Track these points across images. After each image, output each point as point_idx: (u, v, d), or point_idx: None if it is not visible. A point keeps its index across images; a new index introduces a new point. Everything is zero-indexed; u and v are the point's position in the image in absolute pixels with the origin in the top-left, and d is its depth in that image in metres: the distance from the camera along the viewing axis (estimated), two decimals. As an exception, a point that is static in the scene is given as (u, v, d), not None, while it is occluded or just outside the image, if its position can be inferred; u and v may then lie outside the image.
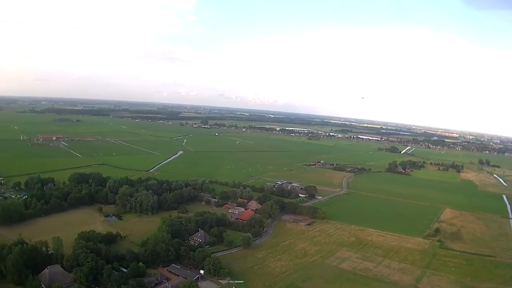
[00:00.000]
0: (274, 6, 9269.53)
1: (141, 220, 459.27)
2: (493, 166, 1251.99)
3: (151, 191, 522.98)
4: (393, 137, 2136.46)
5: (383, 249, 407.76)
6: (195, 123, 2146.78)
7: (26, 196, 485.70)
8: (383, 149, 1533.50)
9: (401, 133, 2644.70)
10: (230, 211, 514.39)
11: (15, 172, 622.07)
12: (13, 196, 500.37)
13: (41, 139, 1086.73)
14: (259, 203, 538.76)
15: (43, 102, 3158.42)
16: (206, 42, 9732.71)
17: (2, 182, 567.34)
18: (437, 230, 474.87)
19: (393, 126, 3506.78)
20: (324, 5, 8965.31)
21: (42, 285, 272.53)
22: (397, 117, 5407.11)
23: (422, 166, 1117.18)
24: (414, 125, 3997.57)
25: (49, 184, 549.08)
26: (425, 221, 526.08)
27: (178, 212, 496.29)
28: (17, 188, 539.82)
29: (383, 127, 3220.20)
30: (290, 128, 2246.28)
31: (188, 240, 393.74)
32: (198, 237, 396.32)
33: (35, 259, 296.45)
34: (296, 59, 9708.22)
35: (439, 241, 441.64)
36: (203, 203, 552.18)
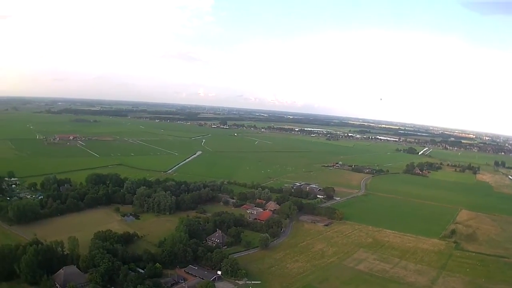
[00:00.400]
0: (292, 7, 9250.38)
1: (159, 220, 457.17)
2: (509, 167, 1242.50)
3: (169, 192, 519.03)
4: (410, 138, 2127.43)
5: (400, 250, 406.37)
6: (213, 124, 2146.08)
7: (42, 197, 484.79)
8: (401, 150, 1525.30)
9: (418, 134, 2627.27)
10: (248, 212, 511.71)
11: (30, 172, 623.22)
12: (28, 197, 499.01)
13: (58, 139, 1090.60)
14: (277, 203, 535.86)
15: (60, 103, 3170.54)
16: (225, 43, 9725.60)
17: (18, 182, 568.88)
18: (453, 232, 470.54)
19: (411, 127, 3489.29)
20: (342, 6, 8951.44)
21: (57, 285, 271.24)
22: (414, 118, 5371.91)
23: (439, 168, 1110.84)
24: (431, 126, 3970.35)
25: (65, 185, 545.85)
26: (441, 223, 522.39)
27: (196, 212, 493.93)
28: (32, 188, 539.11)
29: (401, 127, 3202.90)
30: (309, 129, 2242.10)
31: (206, 240, 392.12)
32: (216, 238, 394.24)
33: (50, 260, 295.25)
34: (314, 60, 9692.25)
35: (455, 242, 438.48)
36: (221, 203, 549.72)
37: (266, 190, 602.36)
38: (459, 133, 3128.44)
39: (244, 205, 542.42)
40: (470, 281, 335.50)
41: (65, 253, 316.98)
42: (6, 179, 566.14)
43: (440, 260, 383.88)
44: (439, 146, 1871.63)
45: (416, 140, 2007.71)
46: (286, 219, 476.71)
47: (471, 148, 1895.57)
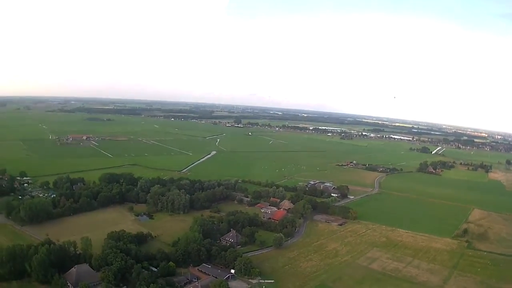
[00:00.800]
0: (305, 5, 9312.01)
1: (173, 219, 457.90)
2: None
3: (183, 190, 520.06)
4: (424, 137, 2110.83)
5: (413, 249, 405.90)
6: (228, 122, 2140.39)
7: (54, 195, 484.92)
8: (414, 149, 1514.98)
9: (432, 132, 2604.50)
10: (263, 211, 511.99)
11: (43, 172, 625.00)
12: (40, 195, 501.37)
13: (71, 139, 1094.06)
14: (291, 202, 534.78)
15: (73, 102, 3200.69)
16: (238, 41, 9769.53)
17: (30, 181, 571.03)
18: (465, 231, 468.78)
19: (424, 126, 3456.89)
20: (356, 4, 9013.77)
21: (69, 284, 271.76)
22: (428, 116, 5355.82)
23: (452, 166, 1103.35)
24: (444, 125, 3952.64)
25: (78, 184, 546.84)
26: (454, 222, 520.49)
27: (210, 211, 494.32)
28: (45, 187, 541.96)
29: (415, 126, 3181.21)
30: (323, 128, 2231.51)
31: (220, 240, 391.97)
32: (230, 237, 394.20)
33: (62, 259, 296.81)
34: (329, 59, 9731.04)
35: (467, 241, 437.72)
36: (236, 202, 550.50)
37: (281, 188, 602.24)
38: (471, 132, 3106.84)
39: (259, 204, 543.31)
40: (481, 281, 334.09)
41: (77, 252, 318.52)
42: (18, 178, 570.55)
43: (452, 260, 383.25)
44: (452, 145, 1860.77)
45: (430, 139, 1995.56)
46: (300, 218, 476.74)
47: (483, 147, 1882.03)
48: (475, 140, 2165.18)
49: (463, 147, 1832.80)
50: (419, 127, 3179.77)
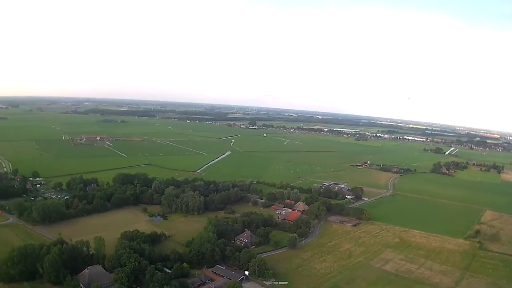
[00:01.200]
0: (319, 8, 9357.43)
1: (187, 220, 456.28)
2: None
3: (197, 192, 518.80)
4: (437, 138, 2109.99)
5: (426, 250, 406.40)
6: (243, 124, 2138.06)
7: (68, 197, 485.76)
8: (428, 150, 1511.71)
9: (445, 134, 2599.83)
10: (277, 212, 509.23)
11: (56, 172, 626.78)
12: (53, 197, 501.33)
13: (84, 139, 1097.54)
14: (306, 204, 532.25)
15: (86, 103, 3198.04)
16: (253, 42, 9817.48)
17: (42, 182, 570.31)
18: (477, 232, 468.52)
19: (438, 127, 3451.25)
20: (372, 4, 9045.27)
21: (81, 285, 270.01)
22: (441, 118, 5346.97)
23: (465, 167, 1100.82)
24: (457, 126, 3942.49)
25: (92, 185, 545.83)
26: (466, 223, 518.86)
27: (225, 212, 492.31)
28: (58, 188, 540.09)
29: (428, 128, 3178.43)
30: (338, 129, 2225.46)
31: (234, 240, 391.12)
32: (244, 238, 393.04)
33: (75, 259, 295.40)
34: (343, 61, 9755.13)
35: (479, 242, 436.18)
36: (250, 204, 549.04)
37: (295, 190, 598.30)
38: (484, 133, 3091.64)
39: (273, 206, 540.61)
40: (492, 282, 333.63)
41: (90, 253, 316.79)
42: (31, 179, 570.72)
43: (464, 261, 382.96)
44: (465, 146, 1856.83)
45: (443, 140, 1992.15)
46: (314, 219, 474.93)
47: (495, 148, 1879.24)
48: (488, 141, 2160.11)
49: (476, 147, 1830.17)
50: (433, 128, 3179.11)
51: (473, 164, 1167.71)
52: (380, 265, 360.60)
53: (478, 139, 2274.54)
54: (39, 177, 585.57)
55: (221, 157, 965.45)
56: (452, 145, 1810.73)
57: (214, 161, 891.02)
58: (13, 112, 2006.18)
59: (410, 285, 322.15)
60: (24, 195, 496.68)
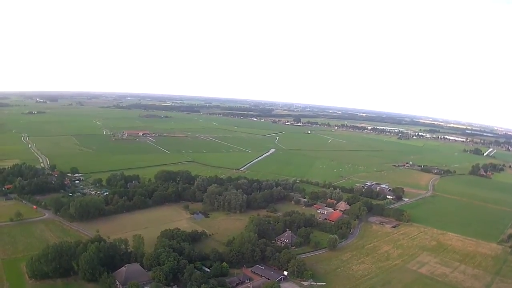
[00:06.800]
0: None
1: (229, 219, 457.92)
2: None
3: (240, 190, 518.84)
4: (476, 138, 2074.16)
5: (461, 254, 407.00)
6: (287, 121, 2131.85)
7: (107, 193, 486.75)
8: (467, 150, 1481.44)
9: (484, 134, 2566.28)
10: (319, 212, 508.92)
11: (96, 168, 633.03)
12: (92, 193, 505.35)
13: (126, 135, 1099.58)
14: (347, 204, 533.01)
15: (128, 98, 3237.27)
16: (300, 39, 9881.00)
17: (81, 178, 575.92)
18: (510, 236, 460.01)
19: (477, 127, 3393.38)
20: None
21: (117, 283, 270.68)
22: (481, 118, 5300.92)
23: (501, 169, 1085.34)
24: (496, 126, 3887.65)
25: (133, 181, 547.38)
26: (500, 226, 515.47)
27: (267, 211, 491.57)
28: (97, 184, 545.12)
29: (468, 127, 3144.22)
30: (381, 127, 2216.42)
31: (275, 240, 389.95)
32: (285, 238, 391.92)
33: (112, 257, 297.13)
34: (387, 60, 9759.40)
35: (510, 247, 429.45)
36: (293, 202, 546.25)
37: (338, 190, 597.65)
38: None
39: (315, 205, 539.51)
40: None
41: (128, 250, 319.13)
42: (69, 174, 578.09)
43: (496, 265, 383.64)
44: (502, 147, 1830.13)
45: (482, 141, 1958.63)
46: (355, 220, 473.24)
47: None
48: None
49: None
50: (472, 128, 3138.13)
51: (510, 166, 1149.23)
52: (416, 268, 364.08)
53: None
54: (78, 173, 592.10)
55: (265, 154, 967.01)
56: (490, 146, 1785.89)
57: (258, 159, 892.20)
58: (52, 106, 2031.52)
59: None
60: (62, 190, 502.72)
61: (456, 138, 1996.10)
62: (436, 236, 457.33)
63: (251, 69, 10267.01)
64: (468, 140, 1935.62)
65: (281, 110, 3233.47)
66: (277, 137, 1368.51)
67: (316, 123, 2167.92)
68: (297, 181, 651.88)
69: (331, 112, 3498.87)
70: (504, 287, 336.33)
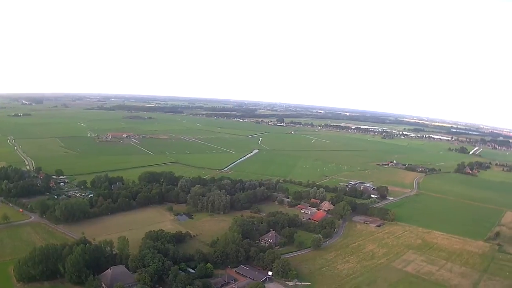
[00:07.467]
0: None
1: (213, 219, 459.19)
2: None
3: (224, 190, 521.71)
4: (462, 137, 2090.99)
5: (447, 252, 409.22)
6: (271, 121, 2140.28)
7: (92, 195, 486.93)
8: (452, 149, 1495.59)
9: (469, 132, 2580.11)
10: (303, 212, 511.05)
11: (80, 171, 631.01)
12: (77, 195, 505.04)
13: (110, 137, 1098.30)
14: (331, 203, 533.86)
15: (112, 99, 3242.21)
16: (282, 39, 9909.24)
17: (66, 180, 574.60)
18: (497, 234, 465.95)
19: (463, 125, 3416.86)
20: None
21: (103, 285, 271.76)
22: (466, 116, 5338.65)
23: (488, 167, 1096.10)
24: (481, 125, 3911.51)
25: (117, 183, 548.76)
26: (487, 224, 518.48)
27: (251, 211, 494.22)
28: (82, 187, 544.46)
29: (453, 126, 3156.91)
30: (365, 127, 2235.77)
31: (259, 240, 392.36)
32: (269, 238, 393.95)
33: (98, 259, 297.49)
34: (371, 58, 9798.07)
35: (498, 244, 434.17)
36: (276, 203, 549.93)
37: (321, 189, 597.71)
38: (507, 132, 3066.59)
39: (299, 205, 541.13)
40: (509, 285, 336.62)
41: (114, 252, 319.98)
42: (54, 177, 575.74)
43: (483, 263, 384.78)
44: (488, 145, 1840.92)
45: (467, 139, 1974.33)
46: (339, 219, 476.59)
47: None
48: (511, 140, 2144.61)
49: (499, 147, 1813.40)
50: (458, 126, 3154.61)
51: (496, 164, 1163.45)
52: (401, 267, 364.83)
53: (501, 138, 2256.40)
54: (63, 175, 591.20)
55: (248, 155, 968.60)
56: (476, 145, 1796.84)
57: (241, 160, 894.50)
58: (37, 108, 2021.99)
59: (430, 286, 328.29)
60: (47, 193, 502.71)
61: (441, 137, 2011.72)
62: (421, 235, 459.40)
63: (234, 69, 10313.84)
64: (453, 139, 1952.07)
65: (264, 110, 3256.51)
66: (261, 138, 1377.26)
67: (300, 123, 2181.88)
68: (280, 181, 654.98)
69: (314, 112, 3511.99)
70: (492, 284, 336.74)
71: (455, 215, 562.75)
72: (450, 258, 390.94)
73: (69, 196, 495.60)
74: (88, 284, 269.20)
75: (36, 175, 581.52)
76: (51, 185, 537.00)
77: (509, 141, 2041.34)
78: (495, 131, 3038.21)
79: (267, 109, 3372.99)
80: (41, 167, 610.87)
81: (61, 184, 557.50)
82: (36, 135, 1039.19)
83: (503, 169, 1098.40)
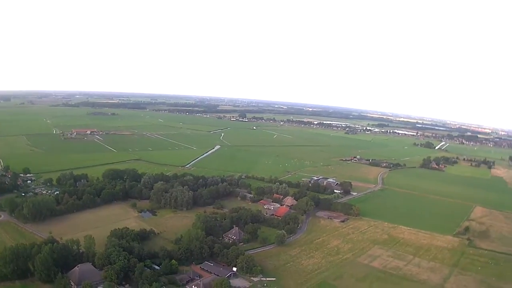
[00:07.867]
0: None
1: (176, 216, 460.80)
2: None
3: (186, 187, 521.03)
4: (428, 132, 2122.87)
5: (414, 247, 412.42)
6: (233, 117, 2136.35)
7: (58, 192, 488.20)
8: (418, 144, 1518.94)
9: (436, 128, 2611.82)
10: (266, 207, 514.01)
11: (46, 168, 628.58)
12: (44, 192, 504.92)
13: (75, 133, 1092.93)
14: (294, 199, 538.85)
15: (77, 96, 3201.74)
16: (243, 34, 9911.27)
17: (33, 178, 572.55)
18: (466, 229, 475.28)
19: (429, 121, 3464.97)
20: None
21: (72, 283, 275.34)
22: (433, 112, 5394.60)
23: (455, 162, 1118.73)
24: (449, 120, 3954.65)
25: (82, 180, 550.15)
26: (456, 219, 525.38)
27: (214, 207, 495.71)
28: (48, 184, 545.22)
29: (419, 121, 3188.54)
30: (328, 122, 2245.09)
31: (223, 237, 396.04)
32: (233, 234, 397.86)
33: (65, 258, 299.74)
34: (333, 53, 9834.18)
35: (468, 239, 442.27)
36: (239, 198, 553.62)
37: (284, 185, 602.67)
38: (475, 127, 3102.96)
39: (262, 201, 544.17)
40: (481, 280, 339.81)
41: (81, 251, 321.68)
42: (21, 175, 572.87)
43: (453, 258, 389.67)
44: (455, 140, 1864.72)
45: (434, 135, 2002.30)
46: (303, 215, 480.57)
47: (486, 143, 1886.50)
48: (479, 135, 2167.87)
49: (467, 142, 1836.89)
50: (424, 122, 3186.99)
51: (464, 159, 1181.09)
52: (368, 262, 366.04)
53: (469, 133, 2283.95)
54: (30, 173, 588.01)
55: (210, 151, 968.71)
56: (442, 140, 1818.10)
57: (203, 156, 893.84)
58: (4, 105, 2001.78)
59: (398, 281, 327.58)
60: (15, 191, 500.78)
61: (406, 132, 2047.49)
62: (387, 230, 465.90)
63: (196, 65, 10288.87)
64: (419, 134, 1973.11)
65: (226, 105, 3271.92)
66: (222, 133, 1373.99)
67: (262, 118, 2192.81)
68: (242, 176, 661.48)
69: (276, 107, 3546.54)
70: (464, 279, 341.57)
71: (422, 210, 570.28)
72: (417, 253, 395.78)
73: (36, 194, 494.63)
74: (57, 282, 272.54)
75: (4, 173, 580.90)
76: (18, 183, 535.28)
77: (477, 136, 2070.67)
78: (463, 126, 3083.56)
79: (229, 105, 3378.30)
80: (9, 166, 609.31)
81: (28, 182, 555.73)
82: (3, 133, 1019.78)
83: (471, 164, 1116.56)
